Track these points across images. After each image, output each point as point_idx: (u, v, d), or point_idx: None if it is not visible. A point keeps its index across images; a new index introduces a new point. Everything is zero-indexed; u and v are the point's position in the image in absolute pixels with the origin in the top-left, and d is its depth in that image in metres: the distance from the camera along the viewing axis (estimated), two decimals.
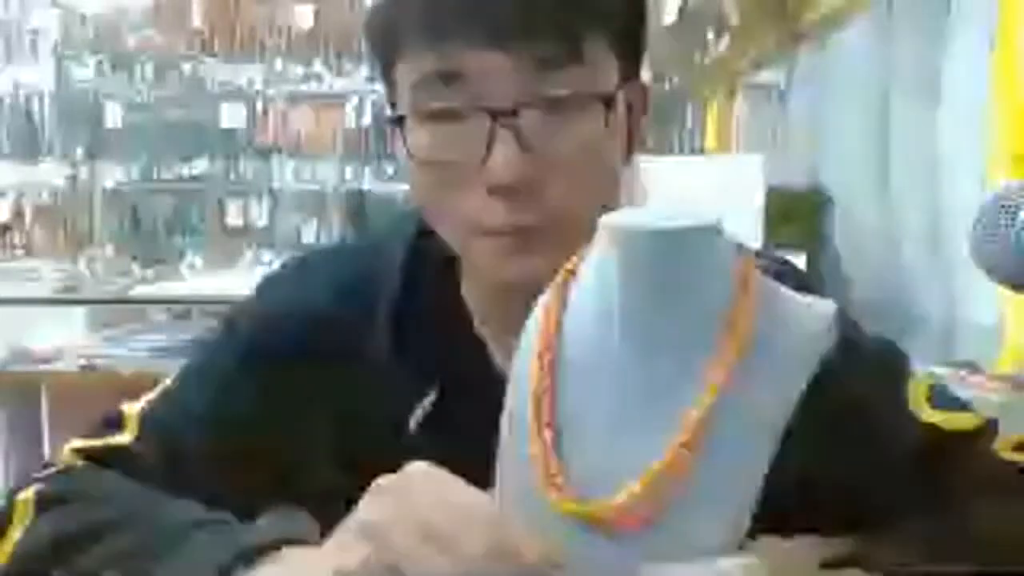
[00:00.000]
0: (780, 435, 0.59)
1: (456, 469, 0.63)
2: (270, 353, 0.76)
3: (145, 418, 0.75)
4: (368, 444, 0.72)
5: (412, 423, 0.73)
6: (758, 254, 0.80)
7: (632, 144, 0.74)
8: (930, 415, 0.70)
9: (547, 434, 0.60)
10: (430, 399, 0.73)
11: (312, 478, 0.76)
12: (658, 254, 0.59)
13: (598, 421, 0.60)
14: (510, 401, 0.63)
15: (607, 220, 0.61)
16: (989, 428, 0.71)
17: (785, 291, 0.64)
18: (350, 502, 0.75)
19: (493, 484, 0.63)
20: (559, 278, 0.65)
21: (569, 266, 0.65)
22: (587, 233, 0.62)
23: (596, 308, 0.62)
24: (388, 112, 0.72)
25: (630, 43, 0.71)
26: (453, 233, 0.70)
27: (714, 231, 0.60)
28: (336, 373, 0.74)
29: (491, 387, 0.66)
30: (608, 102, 0.67)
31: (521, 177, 0.65)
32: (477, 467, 0.61)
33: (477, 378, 0.72)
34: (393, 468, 0.72)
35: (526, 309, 0.65)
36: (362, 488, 0.70)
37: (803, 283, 0.75)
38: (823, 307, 0.63)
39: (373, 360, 0.74)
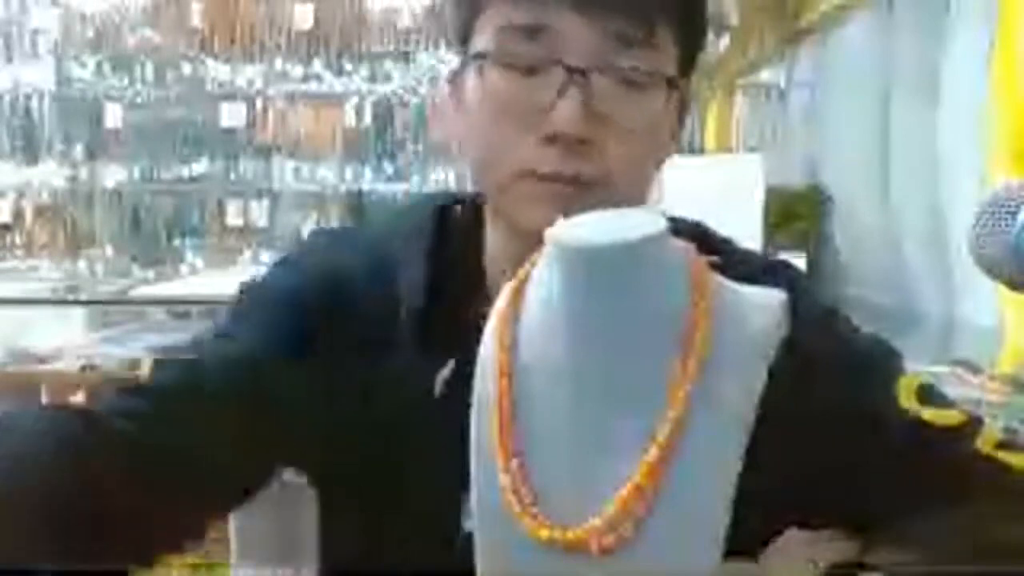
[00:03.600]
0: (751, 428, 0.59)
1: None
2: (299, 319, 0.76)
3: (163, 362, 0.73)
4: (395, 410, 0.74)
5: (436, 389, 0.74)
6: (737, 250, 0.81)
7: (675, 138, 0.79)
8: (919, 411, 0.71)
9: (515, 463, 0.60)
10: (451, 367, 0.74)
11: (339, 443, 0.76)
12: (597, 269, 0.58)
13: (565, 440, 0.60)
14: (475, 425, 0.63)
15: (551, 234, 0.60)
16: (974, 424, 0.72)
17: (732, 285, 0.63)
18: (375, 465, 0.74)
19: None
20: (513, 284, 0.65)
21: (521, 274, 0.64)
22: (619, 206, 0.65)
23: (548, 321, 0.61)
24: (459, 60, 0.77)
25: (690, 40, 0.76)
26: (500, 177, 0.73)
27: (656, 239, 0.59)
28: (365, 343, 0.76)
29: None
30: (671, 84, 0.73)
31: (581, 131, 0.69)
32: None
33: None
34: (418, 431, 0.73)
35: None
36: (374, 453, 0.71)
37: (797, 283, 0.75)
38: (772, 297, 0.63)
39: (400, 328, 0.76)
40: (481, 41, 0.73)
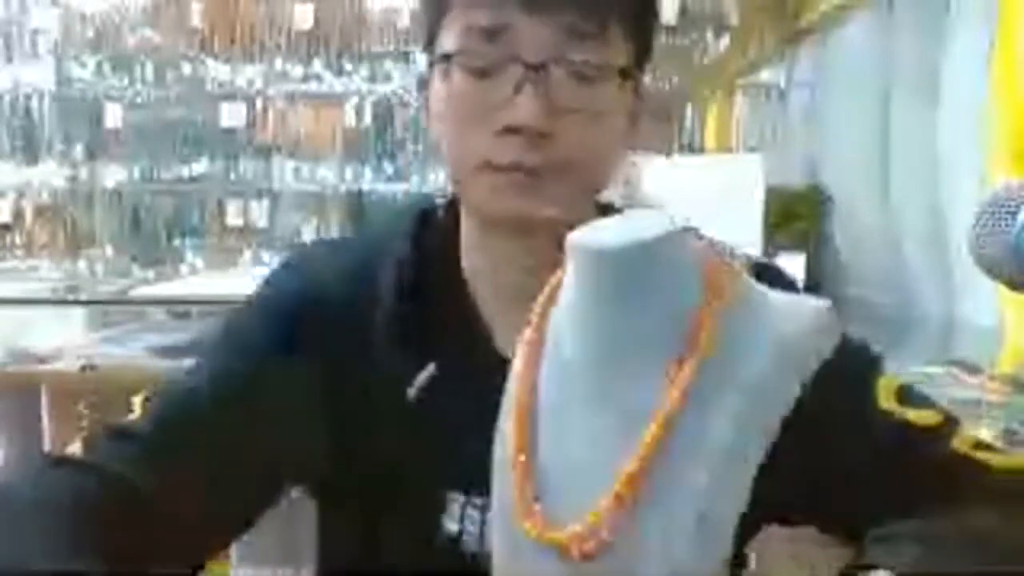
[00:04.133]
0: (773, 433, 0.59)
1: (451, 440, 0.65)
2: (286, 325, 0.78)
3: (160, 392, 0.74)
4: (369, 414, 0.75)
5: (410, 395, 0.75)
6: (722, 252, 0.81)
7: (635, 125, 0.80)
8: (898, 411, 0.72)
9: (522, 458, 0.60)
10: (428, 372, 0.75)
11: (335, 447, 0.77)
12: (613, 270, 0.59)
13: (573, 440, 0.60)
14: (502, 420, 0.63)
15: (572, 239, 0.61)
16: (951, 424, 0.72)
17: (763, 288, 0.64)
18: (365, 467, 0.74)
19: (486, 455, 0.63)
20: (547, 289, 0.66)
21: (553, 281, 0.66)
22: (581, 193, 0.74)
23: (570, 324, 0.62)
24: (427, 60, 0.79)
25: (642, 34, 0.78)
26: (463, 169, 0.76)
27: (670, 239, 0.59)
28: (354, 347, 0.77)
29: (485, 360, 0.71)
30: (625, 75, 0.75)
31: (540, 124, 0.72)
32: (471, 439, 0.64)
33: (472, 351, 0.77)
34: (392, 438, 0.74)
35: (519, 279, 0.73)
36: (360, 457, 0.71)
37: (778, 280, 0.75)
38: (810, 303, 0.63)
39: (378, 333, 0.77)
40: (446, 43, 0.75)
